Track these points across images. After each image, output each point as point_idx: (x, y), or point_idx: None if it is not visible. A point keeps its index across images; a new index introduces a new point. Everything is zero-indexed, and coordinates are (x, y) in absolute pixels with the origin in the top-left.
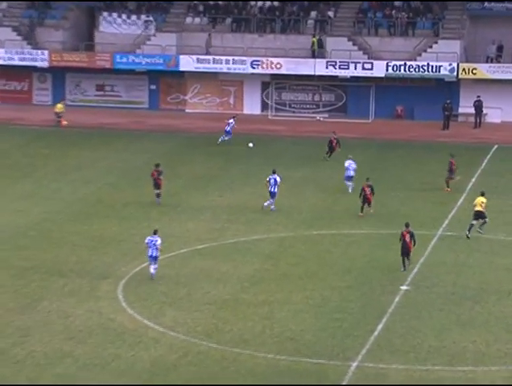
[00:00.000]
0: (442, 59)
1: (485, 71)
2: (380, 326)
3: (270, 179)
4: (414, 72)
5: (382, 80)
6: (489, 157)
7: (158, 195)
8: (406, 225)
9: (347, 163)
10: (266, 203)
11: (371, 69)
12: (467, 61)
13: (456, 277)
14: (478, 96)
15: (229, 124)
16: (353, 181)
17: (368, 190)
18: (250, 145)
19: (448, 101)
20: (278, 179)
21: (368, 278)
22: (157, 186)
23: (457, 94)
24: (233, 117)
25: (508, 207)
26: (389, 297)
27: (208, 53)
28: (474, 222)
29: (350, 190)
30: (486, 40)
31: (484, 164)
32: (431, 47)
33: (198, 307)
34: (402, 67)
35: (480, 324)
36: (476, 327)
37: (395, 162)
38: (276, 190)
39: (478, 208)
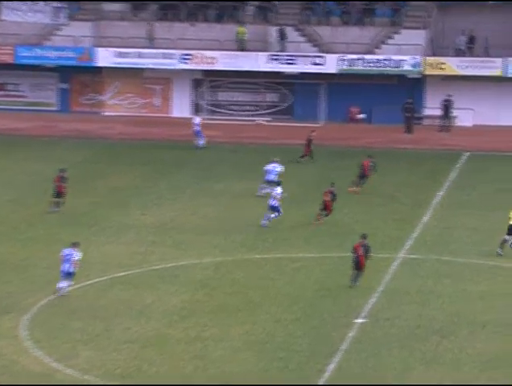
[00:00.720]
0: (404, 52)
1: (454, 66)
2: (331, 366)
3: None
4: (372, 68)
5: (335, 77)
6: (458, 166)
7: (57, 204)
8: (363, 237)
9: (270, 166)
10: (263, 221)
11: (322, 64)
12: (433, 54)
13: (421, 307)
14: (449, 95)
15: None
16: (271, 186)
17: (328, 197)
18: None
19: (410, 101)
20: (278, 191)
21: (318, 310)
22: (58, 194)
23: (422, 93)
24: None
25: (482, 224)
26: (342, 331)
27: (152, 47)
28: (507, 237)
29: (259, 194)
30: (456, 30)
31: (453, 174)
32: (391, 38)
33: (118, 346)
34: (359, 62)
35: (449, 362)
36: (444, 366)
37: (349, 172)
38: (274, 203)
39: None
